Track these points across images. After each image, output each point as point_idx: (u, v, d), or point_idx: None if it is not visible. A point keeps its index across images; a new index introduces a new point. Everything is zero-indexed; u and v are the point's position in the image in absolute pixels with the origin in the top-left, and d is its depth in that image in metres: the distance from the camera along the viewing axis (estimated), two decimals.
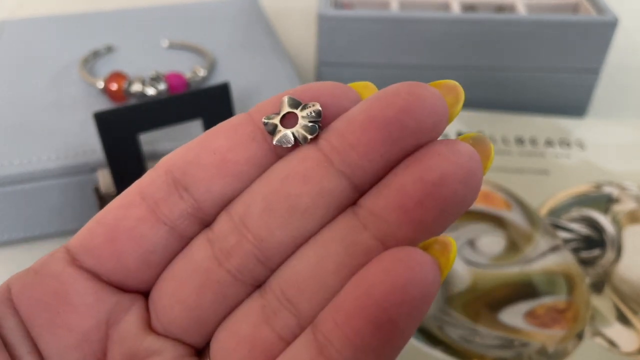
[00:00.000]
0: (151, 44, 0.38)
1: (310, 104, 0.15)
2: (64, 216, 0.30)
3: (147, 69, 0.34)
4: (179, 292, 0.15)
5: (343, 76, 0.38)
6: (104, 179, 0.29)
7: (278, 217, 0.14)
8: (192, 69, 0.34)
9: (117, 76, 0.32)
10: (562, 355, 0.25)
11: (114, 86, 0.32)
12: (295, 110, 0.15)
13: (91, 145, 0.29)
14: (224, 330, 0.15)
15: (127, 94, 0.32)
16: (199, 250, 0.15)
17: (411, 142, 0.14)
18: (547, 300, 0.27)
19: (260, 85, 0.34)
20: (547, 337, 0.26)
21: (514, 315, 0.26)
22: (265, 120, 0.15)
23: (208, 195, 0.15)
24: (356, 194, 0.14)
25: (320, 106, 0.15)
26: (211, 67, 0.35)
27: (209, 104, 0.28)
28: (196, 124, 0.30)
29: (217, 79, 0.35)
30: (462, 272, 0.28)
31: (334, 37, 0.37)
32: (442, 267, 0.13)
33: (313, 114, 0.15)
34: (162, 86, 0.32)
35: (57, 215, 0.30)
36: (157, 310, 0.16)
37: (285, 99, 0.15)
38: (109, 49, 0.37)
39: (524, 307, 0.27)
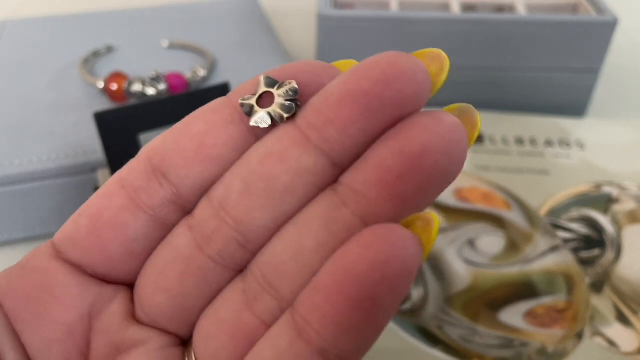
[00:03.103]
0: (151, 44, 0.38)
1: (287, 82, 0.14)
2: (64, 216, 0.30)
3: (147, 69, 0.34)
4: (161, 280, 0.15)
5: None
6: (104, 179, 0.29)
7: (257, 198, 0.14)
8: (192, 69, 0.34)
9: (117, 76, 0.32)
10: (561, 355, 0.25)
11: (114, 86, 0.32)
12: (271, 90, 0.14)
13: (91, 145, 0.29)
14: (206, 317, 0.15)
15: (127, 94, 0.32)
16: (180, 237, 0.15)
17: (391, 114, 0.13)
18: (546, 300, 0.27)
19: None
20: (547, 337, 0.26)
21: (513, 315, 0.26)
22: (242, 102, 0.15)
23: (187, 181, 0.15)
24: (337, 171, 0.14)
25: (297, 84, 0.14)
26: (211, 67, 0.35)
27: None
28: None
29: (217, 79, 0.35)
30: (462, 272, 0.28)
31: (334, 37, 0.37)
32: (424, 243, 0.13)
33: (290, 92, 0.14)
34: (162, 86, 0.32)
35: (57, 215, 0.30)
36: (140, 299, 0.16)
37: (262, 78, 0.15)
38: (109, 49, 0.37)
39: (523, 307, 0.27)
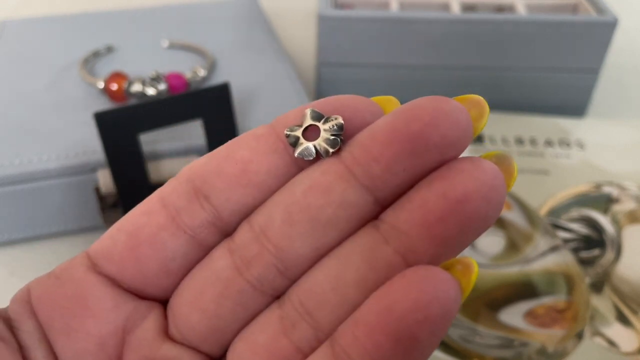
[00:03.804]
0: (151, 44, 0.38)
1: (333, 117, 0.15)
2: (64, 216, 0.30)
3: (147, 69, 0.34)
4: (199, 300, 0.15)
5: (343, 76, 0.38)
6: (104, 179, 0.29)
7: (299, 228, 0.14)
8: (192, 69, 0.34)
9: (117, 76, 0.32)
10: (561, 355, 0.25)
11: (114, 86, 0.32)
12: (317, 123, 0.15)
13: (91, 146, 0.29)
14: (241, 340, 0.15)
15: (127, 94, 0.32)
16: (220, 259, 0.15)
17: (435, 156, 0.14)
18: (546, 300, 0.27)
19: (260, 85, 0.34)
20: (547, 337, 0.26)
21: (513, 315, 0.26)
22: (288, 132, 0.15)
23: (228, 205, 0.15)
24: (378, 208, 0.14)
25: (343, 119, 0.15)
26: (211, 67, 0.35)
27: (209, 104, 0.28)
28: (196, 124, 0.30)
29: (217, 79, 0.35)
30: None
31: (334, 37, 0.37)
32: (463, 287, 0.13)
33: (335, 127, 0.15)
34: (162, 86, 0.32)
35: (57, 215, 0.30)
36: (175, 317, 0.16)
37: (308, 112, 0.15)
38: (109, 49, 0.37)
39: (523, 307, 0.27)
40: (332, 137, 0.15)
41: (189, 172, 0.16)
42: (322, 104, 0.15)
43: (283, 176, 0.15)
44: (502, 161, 0.14)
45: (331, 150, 0.15)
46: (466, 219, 0.13)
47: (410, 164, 0.14)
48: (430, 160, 0.14)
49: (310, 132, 0.15)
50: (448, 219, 0.13)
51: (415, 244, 0.13)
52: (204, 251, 0.16)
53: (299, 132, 0.15)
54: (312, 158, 0.15)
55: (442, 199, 0.13)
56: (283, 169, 0.15)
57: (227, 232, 0.16)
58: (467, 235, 0.13)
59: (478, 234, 0.14)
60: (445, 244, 0.13)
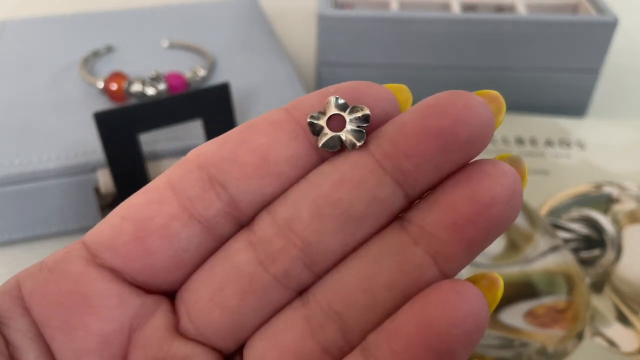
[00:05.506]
0: (151, 44, 0.38)
1: (359, 107, 0.14)
2: (64, 216, 0.30)
3: (147, 69, 0.34)
4: (219, 296, 0.15)
5: (343, 76, 0.38)
6: (104, 179, 0.29)
7: (328, 223, 0.14)
8: (192, 69, 0.34)
9: (117, 76, 0.32)
10: (562, 355, 0.25)
11: (114, 86, 0.32)
12: (342, 113, 0.14)
13: (91, 146, 0.29)
14: (263, 339, 0.15)
15: (127, 94, 0.32)
16: (241, 253, 0.15)
17: (462, 153, 0.14)
18: (547, 300, 0.27)
19: (260, 85, 0.34)
20: (547, 337, 0.26)
21: (514, 315, 0.26)
22: (311, 120, 0.14)
23: (246, 195, 0.15)
24: (406, 204, 0.14)
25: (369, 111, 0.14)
26: (211, 67, 0.35)
27: (209, 104, 0.28)
28: (196, 124, 0.30)
29: (217, 79, 0.35)
30: (462, 272, 0.28)
31: (334, 37, 0.37)
32: (490, 303, 0.13)
33: (362, 119, 0.14)
34: (162, 86, 0.32)
35: (57, 215, 0.30)
36: (190, 313, 0.15)
37: (332, 100, 0.15)
38: (109, 49, 0.37)
39: (524, 307, 0.27)
40: (358, 129, 0.14)
41: (198, 159, 0.15)
42: (341, 90, 0.15)
43: (303, 165, 0.15)
44: (515, 164, 0.14)
45: (358, 143, 0.14)
46: (492, 222, 0.13)
47: (441, 161, 0.14)
48: (458, 157, 0.14)
49: (334, 122, 0.14)
50: (476, 222, 0.13)
51: (444, 246, 0.13)
52: (219, 242, 0.15)
53: (323, 121, 0.14)
54: (336, 150, 0.14)
55: (470, 202, 0.13)
56: (303, 157, 0.15)
57: (243, 222, 0.15)
58: (491, 237, 0.13)
59: (495, 238, 0.14)
60: (472, 247, 0.13)
